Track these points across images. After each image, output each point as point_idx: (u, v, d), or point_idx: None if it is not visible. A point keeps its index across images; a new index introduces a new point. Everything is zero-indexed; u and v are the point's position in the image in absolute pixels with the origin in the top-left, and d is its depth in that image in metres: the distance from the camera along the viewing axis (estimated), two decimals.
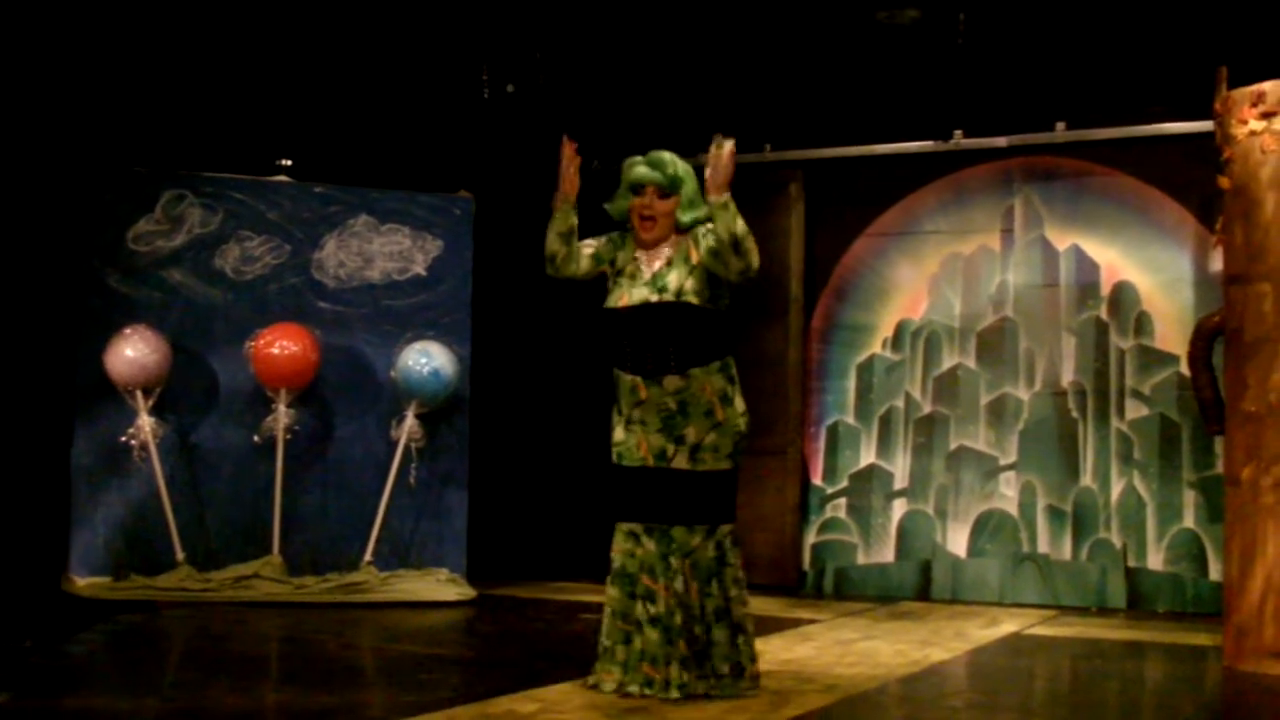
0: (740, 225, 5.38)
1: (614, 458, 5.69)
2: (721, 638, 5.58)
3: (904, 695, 5.96)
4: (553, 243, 5.69)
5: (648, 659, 5.51)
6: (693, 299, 5.54)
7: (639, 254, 5.69)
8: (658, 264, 5.63)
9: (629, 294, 5.62)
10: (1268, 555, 6.54)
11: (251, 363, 8.58)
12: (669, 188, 5.60)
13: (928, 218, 9.87)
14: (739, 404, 5.65)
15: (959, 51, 9.00)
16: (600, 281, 5.84)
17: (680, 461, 5.55)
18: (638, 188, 5.62)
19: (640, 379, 5.57)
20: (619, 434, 5.68)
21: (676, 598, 5.52)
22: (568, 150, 5.65)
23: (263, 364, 8.54)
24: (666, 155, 5.63)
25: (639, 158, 5.66)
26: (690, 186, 5.65)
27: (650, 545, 5.57)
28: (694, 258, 5.59)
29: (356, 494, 8.85)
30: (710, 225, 5.52)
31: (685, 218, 5.63)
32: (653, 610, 5.53)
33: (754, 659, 5.68)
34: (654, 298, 5.56)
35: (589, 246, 5.77)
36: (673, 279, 5.57)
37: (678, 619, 5.51)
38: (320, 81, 9.43)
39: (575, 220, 5.68)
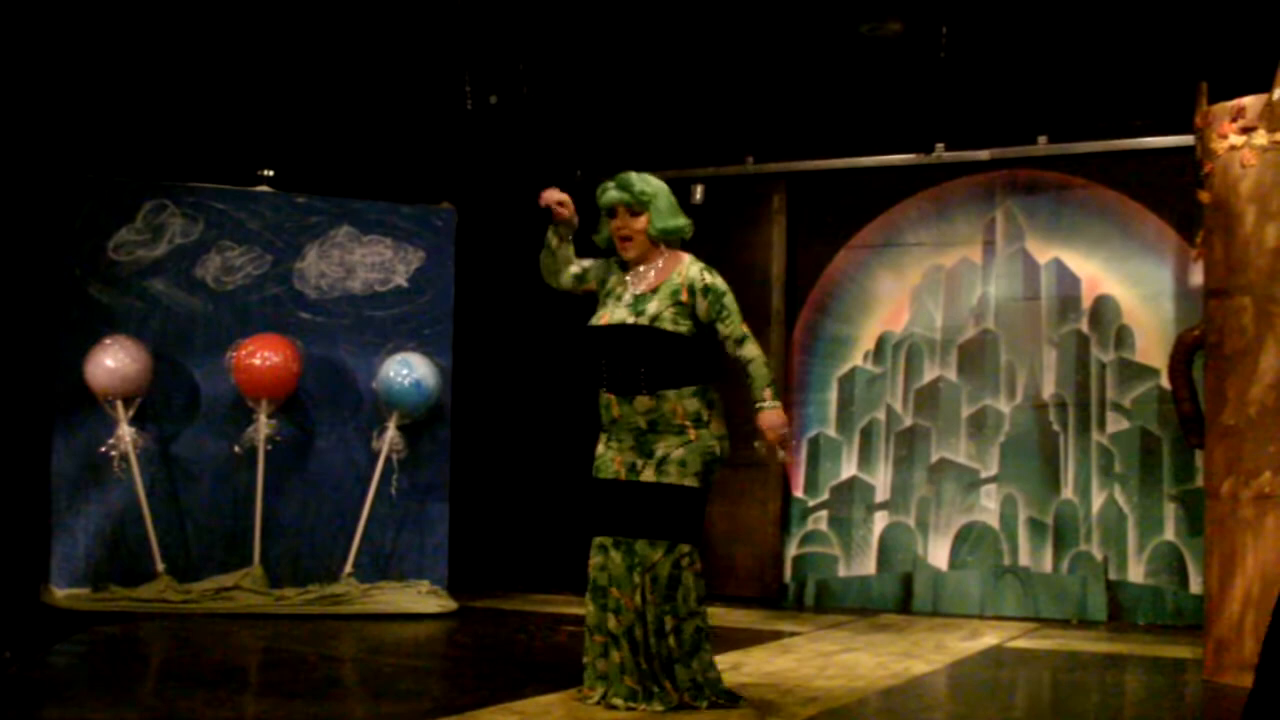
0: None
1: (593, 471, 5.71)
2: (680, 654, 5.55)
3: (884, 708, 5.95)
4: (541, 254, 5.82)
5: (627, 671, 5.51)
6: (665, 325, 5.57)
7: (628, 277, 5.75)
8: (642, 287, 5.68)
9: (610, 314, 5.68)
10: (1247, 568, 6.55)
11: (232, 373, 8.56)
12: (638, 205, 5.66)
13: (909, 230, 9.89)
14: (716, 427, 5.63)
15: (941, 65, 9.02)
16: (583, 297, 5.92)
17: (647, 474, 5.56)
18: (611, 211, 5.70)
19: (614, 396, 5.62)
20: (599, 448, 5.72)
21: (635, 611, 5.52)
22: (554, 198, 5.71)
23: (244, 374, 8.51)
24: (633, 175, 5.70)
25: (608, 182, 5.73)
26: (662, 200, 5.69)
27: (617, 558, 5.58)
28: (684, 298, 5.62)
29: (337, 505, 8.83)
30: (725, 310, 5.61)
31: (658, 224, 5.67)
32: (624, 623, 5.53)
33: (717, 679, 5.65)
34: (629, 319, 5.60)
35: (577, 266, 5.85)
36: (652, 306, 5.61)
37: (637, 633, 5.52)
38: (302, 92, 9.41)
39: (557, 240, 5.75)
